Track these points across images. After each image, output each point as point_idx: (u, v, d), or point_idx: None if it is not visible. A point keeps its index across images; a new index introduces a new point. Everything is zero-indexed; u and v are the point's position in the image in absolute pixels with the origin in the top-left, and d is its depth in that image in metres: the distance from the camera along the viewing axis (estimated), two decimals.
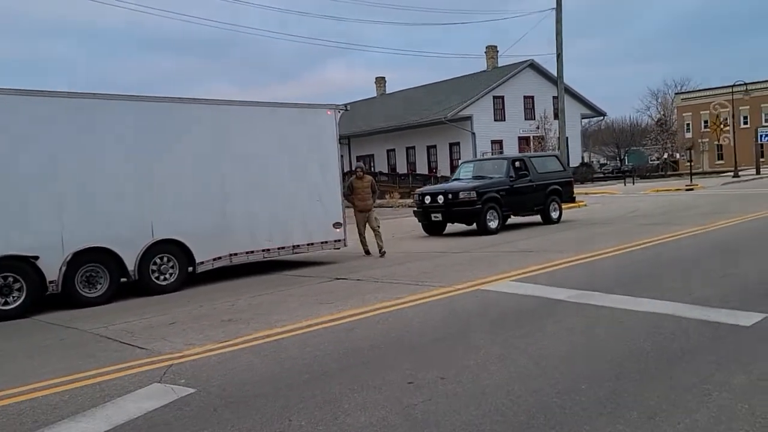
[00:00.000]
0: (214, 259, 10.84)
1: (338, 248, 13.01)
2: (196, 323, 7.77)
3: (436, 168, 47.92)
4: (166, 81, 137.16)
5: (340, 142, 13.00)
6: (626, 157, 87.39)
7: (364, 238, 14.05)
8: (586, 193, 35.45)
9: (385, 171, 50.50)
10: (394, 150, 51.77)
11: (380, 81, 62.17)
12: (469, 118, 45.52)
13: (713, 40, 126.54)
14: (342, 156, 56.16)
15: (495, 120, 47.30)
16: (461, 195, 16.23)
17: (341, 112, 12.81)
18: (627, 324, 6.67)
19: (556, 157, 19.42)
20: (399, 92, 59.01)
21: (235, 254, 11.10)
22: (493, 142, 47.03)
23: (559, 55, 26.68)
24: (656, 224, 16.06)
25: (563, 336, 6.30)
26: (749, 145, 49.28)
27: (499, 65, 51.09)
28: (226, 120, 11.12)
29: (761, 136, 41.63)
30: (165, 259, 10.25)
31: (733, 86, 41.45)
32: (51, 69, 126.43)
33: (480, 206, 16.13)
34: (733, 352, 5.51)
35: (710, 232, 13.91)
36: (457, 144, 46.71)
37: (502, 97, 47.43)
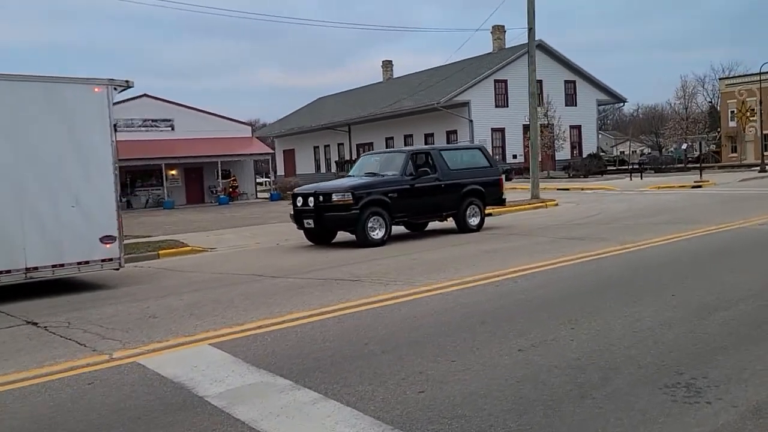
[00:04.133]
0: None
1: (116, 269, 9.93)
2: None
3: None
4: (216, 65, 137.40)
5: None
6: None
7: None
8: (581, 189, 31.67)
9: None
10: (392, 138, 48.35)
11: (387, 65, 58.63)
12: (466, 104, 41.81)
13: None
14: (334, 144, 53.12)
15: (496, 106, 43.42)
16: (334, 197, 12.94)
17: (120, 89, 9.71)
18: None
19: (480, 150, 15.83)
20: (404, 77, 55.41)
21: None
22: (493, 130, 43.23)
23: (531, 30, 22.99)
24: (583, 239, 12.57)
25: None
26: None
27: (507, 46, 47.01)
28: None
29: None
30: None
31: (760, 72, 36.62)
32: (109, 54, 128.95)
33: (358, 211, 12.81)
34: None
35: (629, 253, 10.42)
36: (455, 132, 43.05)
37: (505, 81, 43.47)
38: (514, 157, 43.49)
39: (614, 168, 44.32)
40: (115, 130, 9.63)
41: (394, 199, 13.38)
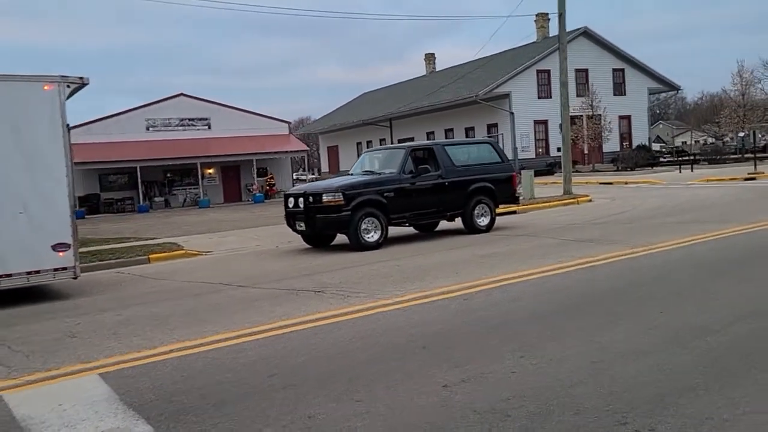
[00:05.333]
0: None
1: (73, 278, 9.34)
2: None
3: None
4: (276, 64, 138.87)
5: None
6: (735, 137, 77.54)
7: None
8: (625, 183, 29.98)
9: None
10: (433, 132, 47.19)
11: (429, 58, 57.43)
12: (506, 95, 40.31)
13: None
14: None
15: (539, 97, 41.70)
16: (325, 198, 12.11)
17: (72, 86, 9.12)
18: None
19: (490, 144, 14.67)
20: (446, 70, 54.12)
21: None
22: (536, 122, 41.59)
23: (561, 15, 21.63)
24: (594, 241, 11.41)
25: None
26: None
27: (551, 35, 45.16)
28: None
29: None
30: None
31: None
32: (173, 54, 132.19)
33: (349, 212, 11.96)
34: None
35: (633, 259, 9.25)
36: (495, 125, 41.62)
37: (548, 72, 41.63)
38: (558, 150, 41.73)
39: (668, 159, 41.96)
40: (69, 130, 9.04)
41: (391, 199, 12.47)
